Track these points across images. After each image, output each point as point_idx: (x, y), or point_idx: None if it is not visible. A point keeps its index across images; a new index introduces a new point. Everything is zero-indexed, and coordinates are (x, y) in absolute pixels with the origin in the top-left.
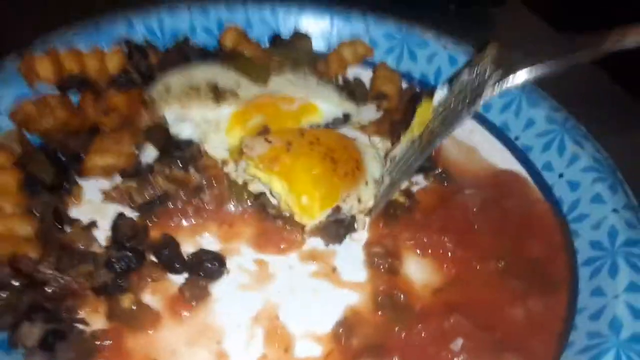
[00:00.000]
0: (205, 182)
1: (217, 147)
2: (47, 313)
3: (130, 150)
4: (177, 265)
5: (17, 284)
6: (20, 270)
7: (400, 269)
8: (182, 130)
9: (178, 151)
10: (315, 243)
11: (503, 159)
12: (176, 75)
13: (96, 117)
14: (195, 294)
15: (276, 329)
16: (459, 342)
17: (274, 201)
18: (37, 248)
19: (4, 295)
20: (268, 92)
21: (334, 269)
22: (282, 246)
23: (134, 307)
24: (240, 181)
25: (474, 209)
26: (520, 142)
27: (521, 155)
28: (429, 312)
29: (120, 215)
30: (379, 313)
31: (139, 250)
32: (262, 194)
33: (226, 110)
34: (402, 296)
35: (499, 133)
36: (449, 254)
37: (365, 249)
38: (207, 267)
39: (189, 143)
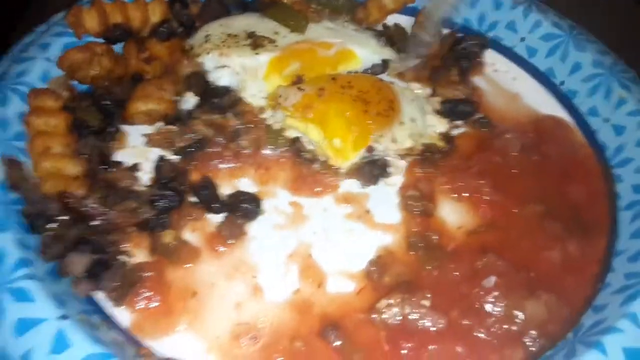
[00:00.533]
0: (242, 127)
1: (254, 94)
2: (93, 245)
3: (171, 97)
4: (216, 205)
5: (65, 218)
6: (69, 205)
7: (434, 212)
8: (221, 77)
9: (216, 98)
10: (350, 186)
11: (546, 105)
12: (215, 24)
13: (139, 65)
14: (232, 232)
15: (310, 266)
16: (491, 280)
17: (309, 146)
18: (84, 186)
19: (53, 227)
20: (306, 39)
21: (367, 211)
22: (316, 189)
23: (175, 243)
24: (276, 127)
25: (514, 153)
26: (566, 87)
27: (565, 100)
28: (462, 252)
29: (162, 158)
30: (411, 253)
31: (179, 190)
32: (297, 138)
33: (264, 57)
34: (434, 237)
35: (544, 78)
36: (486, 198)
37: (400, 192)
38: (244, 208)
39: (227, 90)
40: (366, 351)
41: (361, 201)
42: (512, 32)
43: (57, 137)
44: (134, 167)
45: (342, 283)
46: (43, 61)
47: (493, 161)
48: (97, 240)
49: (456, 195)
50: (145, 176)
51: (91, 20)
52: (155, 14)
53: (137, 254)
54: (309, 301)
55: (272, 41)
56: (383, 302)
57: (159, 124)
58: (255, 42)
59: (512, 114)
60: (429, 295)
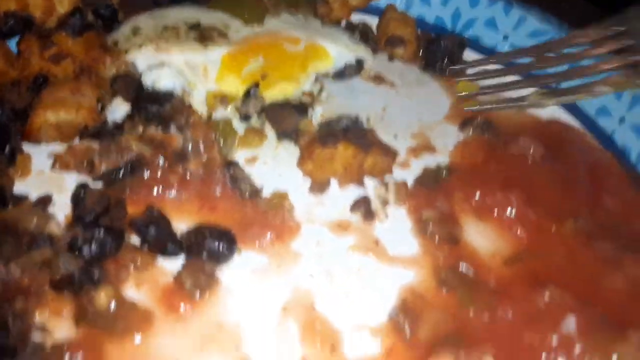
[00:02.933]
0: (190, 145)
1: (204, 100)
2: None
3: (92, 104)
4: (171, 246)
5: None
6: None
7: (461, 236)
8: (159, 79)
9: (155, 105)
10: (341, 213)
11: (546, 109)
12: (145, 16)
13: (43, 65)
14: (198, 282)
15: (314, 322)
16: (571, 322)
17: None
18: None
19: None
20: (267, 32)
21: (376, 242)
22: (269, 236)
23: (113, 306)
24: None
25: (535, 162)
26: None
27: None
28: (509, 287)
29: (82, 186)
30: (444, 292)
31: (114, 228)
32: (234, 163)
33: (216, 52)
34: (469, 269)
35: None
36: (517, 215)
37: (413, 214)
38: (212, 247)
39: (168, 95)
40: None
41: (366, 229)
42: (492, 30)
43: None
44: (43, 201)
45: (362, 343)
46: None
47: (514, 171)
48: None
49: (480, 214)
50: (60, 213)
51: None
52: (63, 3)
53: (57, 327)
54: None
55: (222, 34)
56: None
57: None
58: (203, 35)
59: (512, 118)
60: (489, 351)
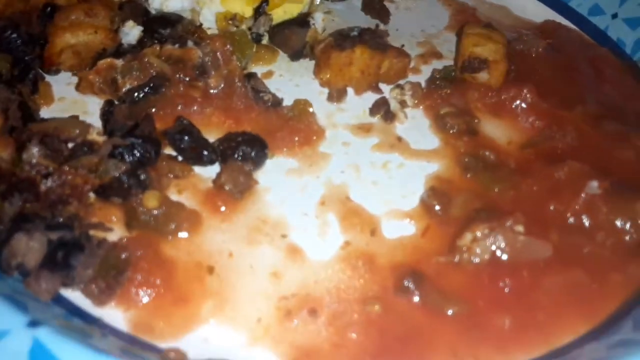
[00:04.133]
0: (209, 60)
1: (212, 20)
2: (47, 221)
3: (107, 24)
4: (206, 153)
5: None
6: None
7: (479, 128)
8: (167, 2)
9: (166, 28)
10: (360, 117)
11: (538, 13)
12: None
13: None
14: (237, 183)
15: (353, 211)
16: (594, 185)
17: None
18: (8, 145)
19: None
20: None
21: (399, 139)
22: (296, 139)
23: (162, 209)
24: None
25: (538, 56)
26: None
27: (559, 5)
28: (529, 166)
29: (110, 102)
30: (469, 176)
31: (152, 137)
32: (253, 74)
33: None
34: (489, 154)
35: None
36: (530, 106)
37: (430, 111)
38: (246, 151)
39: (178, 17)
40: (462, 301)
41: (387, 129)
42: None
43: None
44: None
45: (398, 225)
46: None
47: (522, 66)
48: (50, 215)
49: (495, 109)
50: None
51: None
52: None
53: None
54: (366, 253)
55: None
56: (466, 238)
57: None
58: None
59: (510, 23)
60: (520, 220)
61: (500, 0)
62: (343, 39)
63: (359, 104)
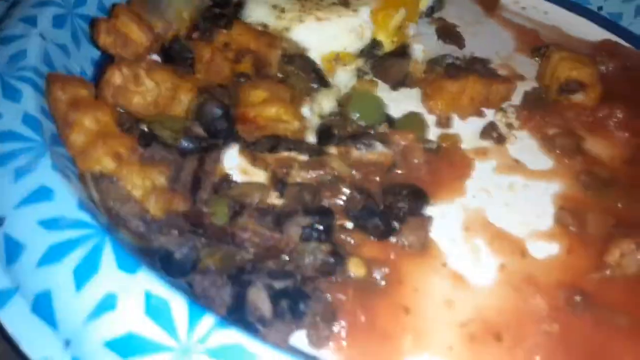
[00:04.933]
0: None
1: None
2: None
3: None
4: (375, 220)
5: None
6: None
7: (583, 147)
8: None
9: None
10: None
11: (590, 32)
12: None
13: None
14: (421, 238)
15: (498, 234)
16: None
17: None
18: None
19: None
20: None
21: (515, 160)
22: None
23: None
24: None
25: (609, 73)
26: (605, 11)
27: (610, 24)
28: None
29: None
30: (590, 194)
31: (324, 208)
32: None
33: (364, 11)
34: (601, 171)
35: (578, 8)
36: (623, 122)
37: (537, 133)
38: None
39: None
40: (630, 312)
41: (501, 151)
42: None
43: (119, 138)
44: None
45: (542, 245)
46: (38, 39)
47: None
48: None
49: (590, 127)
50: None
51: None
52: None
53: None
54: (525, 274)
55: None
56: (614, 254)
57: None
58: None
59: (565, 42)
60: None
61: (552, 20)
62: (455, 70)
63: (465, 128)
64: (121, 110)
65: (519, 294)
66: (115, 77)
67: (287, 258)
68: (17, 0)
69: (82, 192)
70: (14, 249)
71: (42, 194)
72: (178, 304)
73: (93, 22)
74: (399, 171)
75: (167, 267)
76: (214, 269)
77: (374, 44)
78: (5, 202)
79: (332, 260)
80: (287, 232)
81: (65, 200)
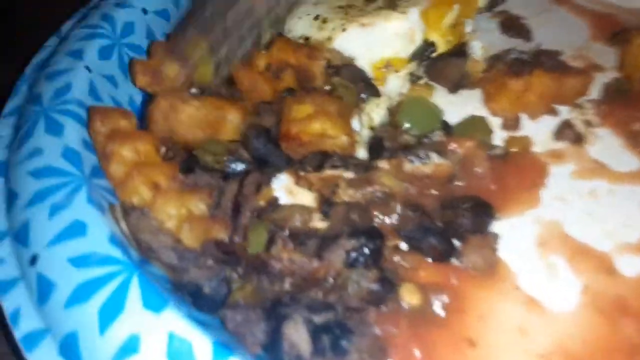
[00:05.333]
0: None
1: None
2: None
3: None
4: (431, 239)
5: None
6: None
7: None
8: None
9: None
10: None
11: None
12: (308, 5)
13: (271, 87)
14: (488, 259)
15: (579, 249)
16: None
17: None
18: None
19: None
20: None
21: (596, 162)
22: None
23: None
24: None
25: None
26: None
27: None
28: None
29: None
30: None
31: (372, 230)
32: None
33: (413, 13)
34: None
35: None
36: None
37: (620, 129)
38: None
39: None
40: None
41: (579, 153)
42: None
43: (158, 167)
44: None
45: (632, 260)
46: (83, 72)
47: None
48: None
49: None
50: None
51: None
52: None
53: None
54: (613, 296)
55: None
56: None
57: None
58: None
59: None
60: None
61: (632, 1)
62: (519, 65)
63: (536, 129)
64: (166, 138)
65: (607, 320)
66: (162, 103)
67: (329, 287)
68: (67, 35)
69: (114, 225)
70: (45, 288)
71: (75, 229)
72: (202, 346)
73: (129, 64)
74: (460, 183)
75: (197, 302)
76: (245, 303)
77: (427, 45)
78: (39, 240)
79: (379, 288)
80: (328, 258)
81: (98, 235)
